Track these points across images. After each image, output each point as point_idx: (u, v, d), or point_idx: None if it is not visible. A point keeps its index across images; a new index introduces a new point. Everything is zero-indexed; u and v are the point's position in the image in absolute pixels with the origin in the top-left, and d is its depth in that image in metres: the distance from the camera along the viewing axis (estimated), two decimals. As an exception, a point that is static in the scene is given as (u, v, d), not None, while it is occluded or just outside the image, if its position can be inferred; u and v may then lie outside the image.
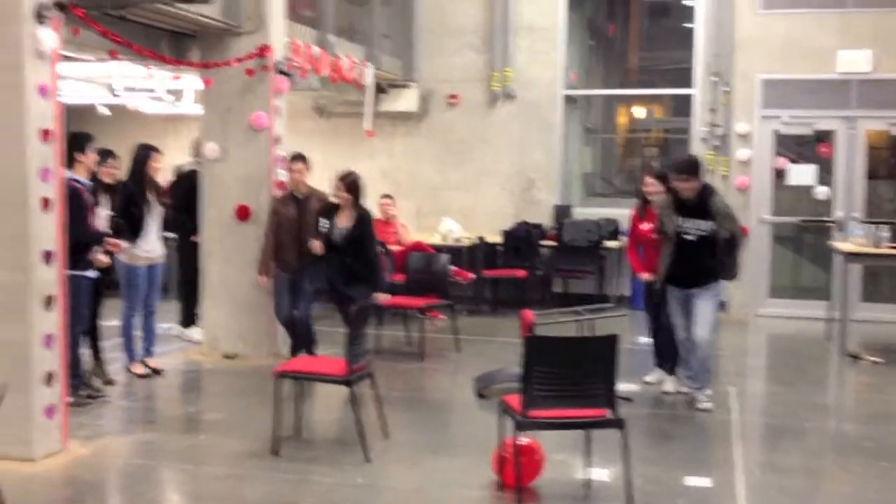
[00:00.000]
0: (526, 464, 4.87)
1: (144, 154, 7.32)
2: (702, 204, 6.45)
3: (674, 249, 6.58)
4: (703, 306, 6.56)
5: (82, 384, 6.53)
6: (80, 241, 6.03)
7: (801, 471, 5.60)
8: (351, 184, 7.37)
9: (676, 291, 6.71)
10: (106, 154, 6.81)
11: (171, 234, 8.39)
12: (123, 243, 6.73)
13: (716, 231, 6.42)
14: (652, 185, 7.02)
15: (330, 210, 7.43)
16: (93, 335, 7.05)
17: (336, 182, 7.38)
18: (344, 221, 7.35)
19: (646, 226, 7.02)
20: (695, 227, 6.46)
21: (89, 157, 6.29)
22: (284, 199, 7.79)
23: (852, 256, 8.85)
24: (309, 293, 7.71)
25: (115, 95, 10.10)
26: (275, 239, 7.71)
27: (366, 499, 4.89)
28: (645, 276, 7.15)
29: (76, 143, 6.32)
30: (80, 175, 6.28)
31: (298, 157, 7.76)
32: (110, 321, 7.28)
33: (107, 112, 10.64)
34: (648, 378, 7.35)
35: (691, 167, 6.53)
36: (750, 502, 4.93)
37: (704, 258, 6.49)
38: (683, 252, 6.53)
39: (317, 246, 7.37)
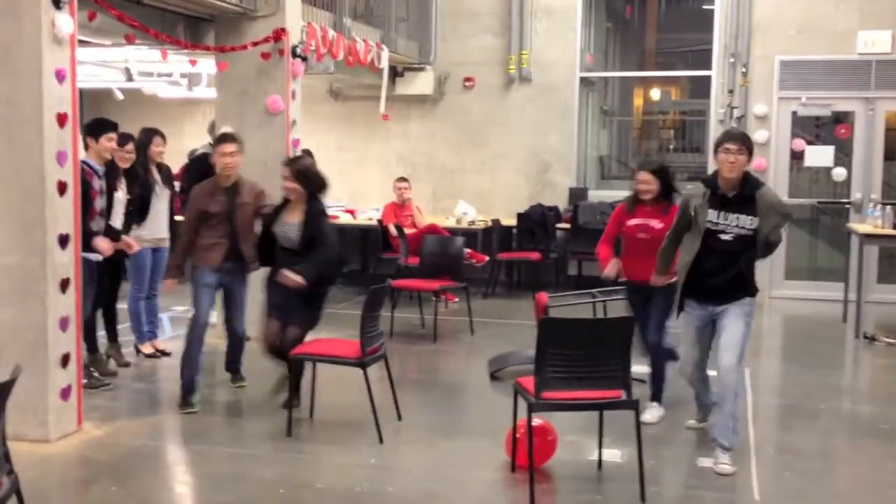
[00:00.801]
0: (539, 445, 4.89)
1: (146, 138, 7.31)
2: (745, 194, 5.14)
3: (701, 252, 5.20)
4: (735, 326, 5.15)
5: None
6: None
7: (816, 452, 5.59)
8: (300, 171, 5.95)
9: (697, 309, 5.32)
10: (124, 139, 6.82)
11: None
12: (136, 245, 6.74)
13: (762, 228, 5.12)
14: (644, 183, 5.99)
15: (279, 207, 6.05)
16: (109, 318, 7.12)
17: (282, 169, 6.06)
18: (294, 218, 5.92)
19: (634, 221, 6.05)
20: (736, 224, 5.13)
21: (102, 144, 6.31)
22: (210, 189, 6.30)
23: (869, 238, 8.80)
24: (243, 301, 6.55)
25: (131, 80, 10.14)
26: (195, 238, 6.29)
27: (379, 479, 4.92)
28: (607, 271, 6.11)
29: (94, 128, 6.35)
30: (92, 159, 6.31)
31: (227, 138, 6.40)
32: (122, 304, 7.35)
33: (121, 96, 10.69)
34: (647, 417, 5.88)
35: (748, 139, 5.27)
36: (764, 483, 4.93)
37: (741, 264, 5.19)
38: (714, 256, 5.18)
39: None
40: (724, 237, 5.15)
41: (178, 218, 7.95)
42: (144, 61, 9.94)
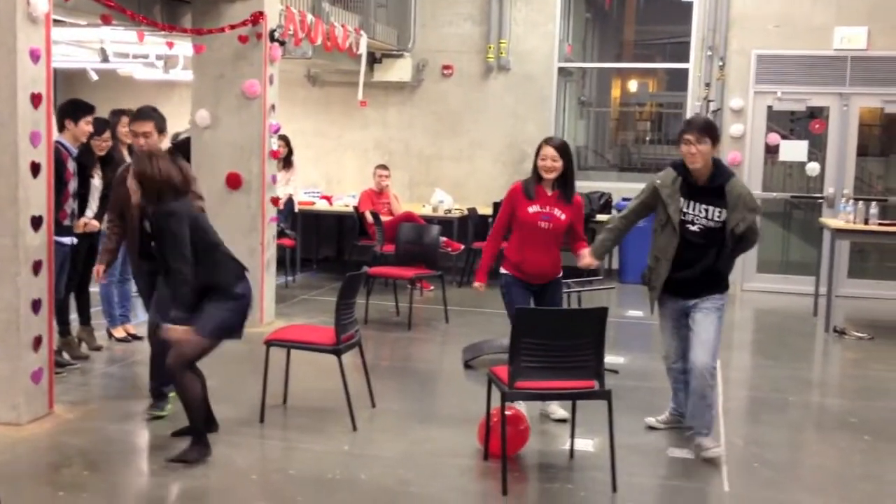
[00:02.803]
0: (511, 433, 4.91)
1: (114, 119, 7.26)
2: (715, 184, 5.03)
3: (674, 244, 5.11)
4: (707, 322, 5.10)
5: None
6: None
7: (785, 444, 5.66)
8: (140, 173, 4.81)
9: (670, 301, 5.28)
10: (100, 126, 6.73)
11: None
12: (95, 222, 6.68)
13: (729, 222, 5.00)
14: (550, 160, 5.46)
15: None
16: (82, 301, 7.07)
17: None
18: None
19: (535, 208, 5.49)
20: (705, 216, 5.03)
21: (81, 128, 6.26)
22: (126, 175, 5.23)
23: (841, 233, 8.89)
24: (161, 299, 5.31)
25: (106, 60, 10.04)
26: (122, 225, 5.58)
27: (352, 466, 4.93)
28: (477, 285, 5.73)
29: (72, 110, 6.29)
30: (67, 140, 6.25)
31: (141, 114, 5.51)
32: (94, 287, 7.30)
33: (95, 77, 10.58)
34: (562, 413, 5.60)
35: (710, 127, 5.11)
36: (733, 474, 4.98)
37: (710, 258, 5.07)
38: (682, 249, 5.09)
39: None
40: (692, 228, 5.05)
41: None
42: (120, 42, 9.83)
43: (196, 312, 4.80)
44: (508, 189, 5.76)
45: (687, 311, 5.20)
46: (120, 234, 5.64)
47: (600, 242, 5.47)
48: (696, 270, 5.07)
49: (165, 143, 8.11)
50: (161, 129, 5.50)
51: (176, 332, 4.74)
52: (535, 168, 5.54)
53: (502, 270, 5.65)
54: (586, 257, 5.49)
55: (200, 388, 4.97)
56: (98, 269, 5.87)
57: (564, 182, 5.53)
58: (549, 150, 5.46)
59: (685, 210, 5.04)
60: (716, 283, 5.15)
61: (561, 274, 5.70)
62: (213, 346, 4.93)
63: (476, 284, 5.77)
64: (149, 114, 5.51)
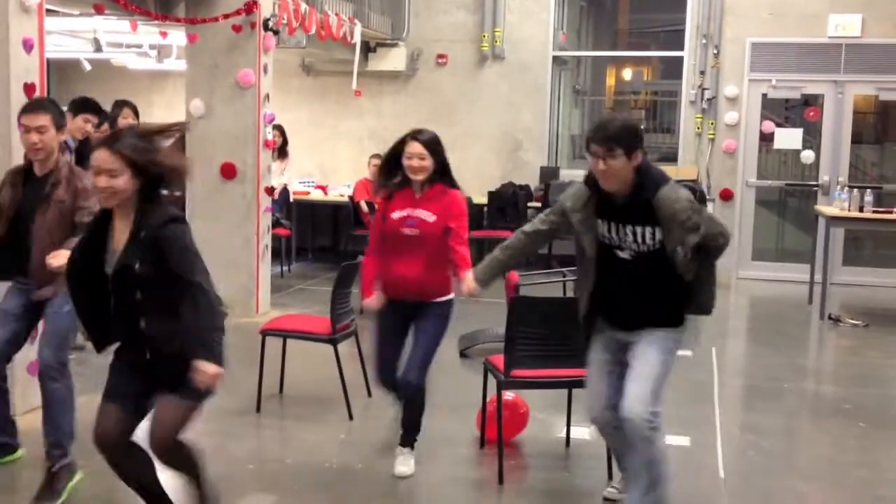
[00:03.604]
0: (509, 418, 4.94)
1: (115, 112, 7.28)
2: (641, 200, 3.70)
3: (597, 273, 3.88)
4: (646, 357, 3.79)
5: None
6: None
7: (780, 431, 5.68)
8: (125, 151, 3.36)
9: (607, 331, 3.96)
10: (100, 119, 6.81)
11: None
12: None
13: (666, 246, 3.72)
14: (418, 158, 4.51)
15: (100, 222, 3.53)
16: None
17: (95, 154, 3.42)
18: (121, 239, 3.43)
19: (398, 213, 4.55)
20: (633, 240, 3.76)
21: (76, 123, 6.32)
22: (15, 173, 4.48)
23: (836, 220, 8.91)
24: (57, 332, 4.36)
25: (99, 50, 10.00)
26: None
27: (348, 456, 4.94)
28: (368, 302, 4.62)
29: (74, 105, 6.38)
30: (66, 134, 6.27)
31: (35, 106, 4.44)
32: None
33: (88, 67, 10.54)
34: (403, 469, 4.67)
35: (625, 133, 3.68)
36: (728, 462, 5.01)
37: (654, 288, 3.82)
38: (615, 278, 3.85)
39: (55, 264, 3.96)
40: (622, 255, 3.80)
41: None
42: (113, 32, 9.79)
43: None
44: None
45: (626, 346, 3.90)
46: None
47: (488, 263, 4.24)
48: (636, 302, 3.84)
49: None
50: (59, 126, 4.38)
51: (213, 371, 3.36)
52: (401, 167, 4.58)
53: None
54: (467, 282, 4.29)
55: (198, 454, 3.71)
56: None
57: (440, 180, 4.60)
58: (416, 147, 4.50)
59: (607, 234, 3.80)
60: (665, 315, 3.86)
61: (447, 298, 4.65)
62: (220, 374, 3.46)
63: (364, 301, 4.69)
64: (45, 105, 4.43)
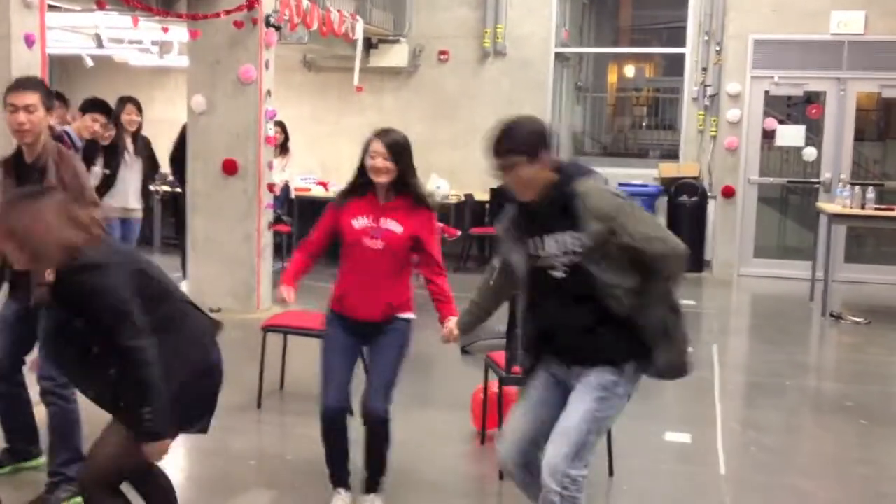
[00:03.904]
0: (508, 406, 4.94)
1: (119, 108, 7.31)
2: (559, 201, 3.22)
3: (531, 297, 3.38)
4: (573, 409, 3.22)
5: None
6: None
7: (781, 428, 5.67)
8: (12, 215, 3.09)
9: (549, 365, 3.39)
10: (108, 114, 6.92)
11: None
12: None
13: (585, 256, 3.16)
14: (381, 158, 3.99)
15: None
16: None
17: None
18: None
19: (360, 222, 4.05)
20: (560, 250, 3.21)
21: (84, 121, 6.46)
22: (4, 162, 4.22)
23: (838, 217, 8.89)
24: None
25: (101, 46, 10.01)
26: None
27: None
28: (285, 291, 4.16)
29: (83, 104, 6.46)
30: (73, 131, 6.29)
31: (22, 84, 4.13)
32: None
33: (90, 63, 10.55)
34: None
35: (522, 136, 3.34)
36: (729, 458, 5.00)
37: (588, 307, 3.19)
38: (551, 302, 3.30)
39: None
40: (555, 274, 3.23)
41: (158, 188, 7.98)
42: (115, 27, 9.80)
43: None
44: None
45: (566, 387, 3.32)
46: None
47: (465, 315, 3.92)
48: (574, 329, 3.24)
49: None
50: (49, 106, 4.14)
51: (160, 448, 3.14)
52: (362, 167, 4.08)
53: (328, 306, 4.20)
54: (450, 328, 3.96)
55: None
56: None
57: (404, 187, 4.08)
58: (378, 146, 3.99)
59: (535, 253, 3.28)
60: (608, 347, 3.22)
61: (407, 316, 4.19)
62: (165, 447, 3.18)
63: (281, 288, 4.24)
64: (33, 83, 4.17)
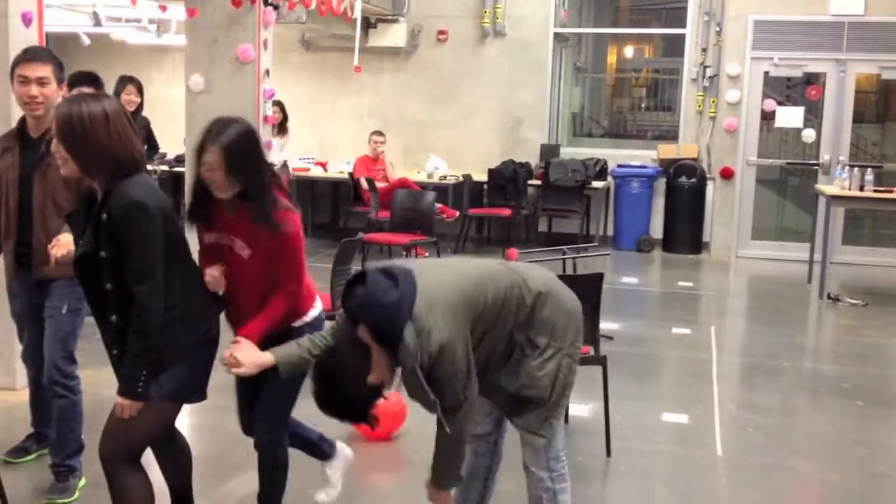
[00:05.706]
0: (392, 413, 4.88)
1: (119, 86, 7.25)
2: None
3: None
4: None
5: None
6: None
7: (778, 409, 5.69)
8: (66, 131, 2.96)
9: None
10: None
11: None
12: None
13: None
14: (208, 168, 3.18)
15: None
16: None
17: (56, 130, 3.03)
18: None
19: (210, 237, 3.40)
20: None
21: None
22: (8, 137, 4.08)
23: (836, 199, 8.89)
24: (55, 338, 4.05)
25: (98, 25, 9.95)
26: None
27: (346, 430, 4.94)
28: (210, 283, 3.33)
29: (71, 78, 6.32)
30: None
31: (31, 54, 3.97)
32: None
33: (87, 41, 10.49)
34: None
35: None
36: (726, 439, 5.02)
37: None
38: None
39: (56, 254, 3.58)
40: None
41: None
42: (112, 6, 9.75)
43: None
44: None
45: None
46: None
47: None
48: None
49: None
50: (60, 79, 3.97)
51: (131, 407, 3.11)
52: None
53: None
54: (232, 355, 3.31)
55: (149, 496, 3.23)
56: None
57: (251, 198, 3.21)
58: (209, 153, 3.16)
59: None
60: None
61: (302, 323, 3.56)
62: (171, 417, 3.35)
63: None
64: (46, 54, 3.99)
